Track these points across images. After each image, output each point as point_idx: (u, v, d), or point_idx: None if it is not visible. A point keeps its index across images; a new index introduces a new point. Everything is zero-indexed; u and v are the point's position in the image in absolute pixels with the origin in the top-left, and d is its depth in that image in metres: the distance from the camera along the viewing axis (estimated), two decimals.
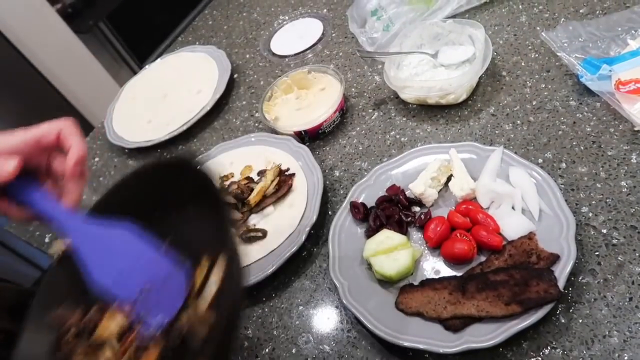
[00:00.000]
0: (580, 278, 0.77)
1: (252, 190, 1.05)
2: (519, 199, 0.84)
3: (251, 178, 1.10)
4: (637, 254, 0.77)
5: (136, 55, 1.99)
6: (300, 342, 0.86)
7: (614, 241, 0.79)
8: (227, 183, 1.10)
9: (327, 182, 1.07)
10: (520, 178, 0.86)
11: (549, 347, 0.73)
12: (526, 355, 0.73)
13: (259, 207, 1.04)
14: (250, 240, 1.00)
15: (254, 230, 1.01)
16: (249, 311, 0.94)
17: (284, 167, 1.08)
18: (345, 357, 0.82)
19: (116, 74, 2.73)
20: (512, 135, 0.99)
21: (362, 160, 1.09)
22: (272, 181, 1.05)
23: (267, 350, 0.88)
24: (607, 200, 0.84)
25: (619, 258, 0.77)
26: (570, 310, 0.75)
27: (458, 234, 0.84)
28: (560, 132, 0.96)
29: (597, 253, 0.79)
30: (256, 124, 1.28)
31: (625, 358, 0.68)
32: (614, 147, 0.90)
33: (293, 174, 1.07)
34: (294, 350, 0.86)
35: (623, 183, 0.85)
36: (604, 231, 0.81)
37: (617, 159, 0.88)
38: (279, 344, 0.88)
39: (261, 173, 1.10)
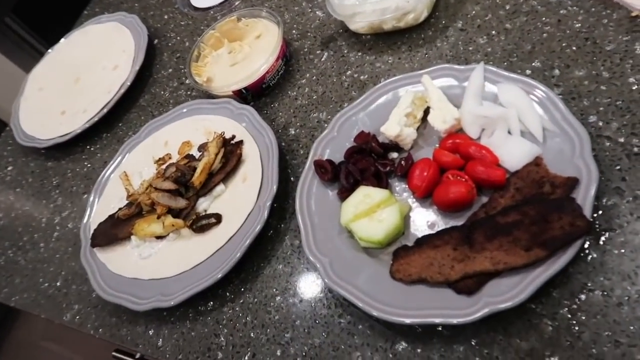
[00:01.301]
0: (605, 201, 0.64)
1: (194, 169, 0.86)
2: (514, 119, 0.69)
3: (192, 156, 0.92)
4: None
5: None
6: (285, 341, 0.71)
7: (635, 149, 0.66)
8: (164, 167, 0.91)
9: (283, 144, 0.90)
10: (512, 95, 0.71)
11: (585, 291, 0.59)
12: (559, 306, 0.60)
13: (207, 188, 0.86)
14: (203, 229, 0.83)
15: (206, 217, 0.83)
16: (217, 315, 0.77)
17: (228, 136, 0.89)
18: (342, 349, 0.67)
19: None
20: (489, 49, 0.83)
21: (319, 111, 0.91)
22: (217, 154, 0.86)
23: (246, 357, 0.71)
24: (617, 103, 0.70)
25: None
26: (601, 242, 0.61)
27: (450, 176, 0.69)
28: (545, 35, 0.80)
29: (618, 167, 0.65)
30: (189, 92, 1.08)
31: None
32: (612, 40, 0.75)
33: (240, 142, 0.88)
34: (278, 352, 0.70)
35: (631, 79, 0.71)
36: (621, 140, 0.67)
37: (618, 54, 0.74)
38: (259, 348, 0.72)
39: (202, 147, 0.91)
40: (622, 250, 0.60)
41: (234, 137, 0.90)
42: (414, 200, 0.73)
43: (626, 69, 0.72)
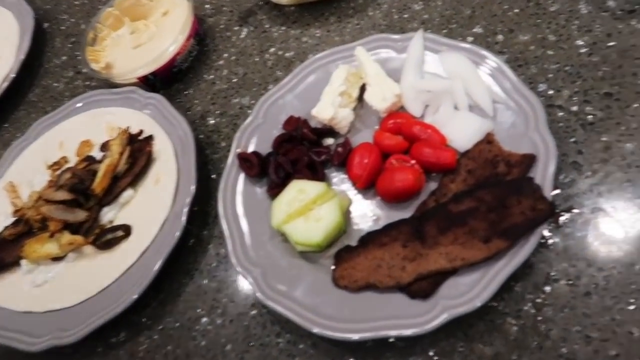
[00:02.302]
0: (562, 178, 0.57)
1: (95, 174, 0.72)
2: (461, 92, 0.61)
3: (92, 158, 0.77)
4: (622, 127, 0.58)
5: None
6: None
7: (590, 118, 0.59)
8: (58, 173, 0.76)
9: (201, 136, 0.78)
10: (456, 65, 0.63)
11: (549, 282, 0.53)
12: (523, 301, 0.52)
13: (112, 194, 0.72)
14: (110, 244, 0.69)
15: (112, 230, 0.70)
16: (132, 346, 0.64)
17: (134, 131, 0.76)
18: None
19: None
20: (426, 16, 0.75)
21: (240, 96, 0.79)
22: (122, 154, 0.73)
23: None
24: (566, 68, 0.64)
25: (603, 138, 0.58)
26: (564, 224, 0.55)
27: (394, 161, 0.60)
28: None
29: (573, 139, 0.59)
30: (88, 83, 0.93)
31: None
32: (556, 1, 0.69)
33: (149, 137, 0.75)
34: None
35: (579, 42, 0.65)
36: (574, 109, 0.61)
37: (563, 14, 0.67)
38: None
39: (105, 147, 0.77)
40: (585, 233, 0.54)
41: (141, 132, 0.76)
42: (356, 191, 0.63)
43: (572, 30, 0.66)
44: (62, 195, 0.70)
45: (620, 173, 0.55)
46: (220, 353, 0.60)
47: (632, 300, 0.49)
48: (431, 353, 0.53)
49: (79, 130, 0.82)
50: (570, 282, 0.52)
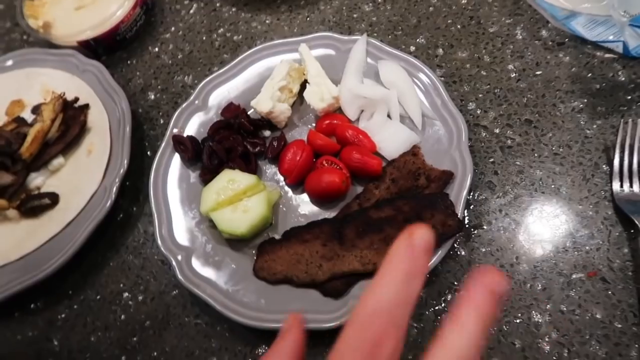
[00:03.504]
0: (477, 195, 0.62)
1: (25, 137, 0.70)
2: (395, 103, 0.64)
3: (23, 120, 0.75)
4: (536, 154, 0.62)
5: None
6: (131, 345, 0.61)
7: (509, 142, 0.64)
8: None
9: (140, 110, 0.77)
10: (394, 74, 0.65)
11: (452, 291, 0.58)
12: (426, 306, 0.57)
13: (41, 160, 0.71)
14: (35, 211, 0.68)
15: (38, 197, 0.69)
16: (50, 314, 0.65)
17: (70, 97, 0.74)
18: (197, 354, 0.60)
19: None
20: (374, 19, 0.76)
21: (184, 73, 0.79)
22: (54, 120, 0.71)
23: None
24: (496, 90, 0.67)
25: (518, 162, 0.63)
26: (471, 239, 0.59)
27: (325, 162, 0.63)
28: (431, 8, 0.75)
29: (491, 160, 0.63)
30: (25, 37, 0.88)
31: (539, 287, 0.55)
32: (495, 22, 0.72)
33: (85, 106, 0.74)
34: (123, 358, 0.61)
35: (510, 66, 0.69)
36: (497, 131, 0.65)
37: (500, 37, 0.71)
38: (100, 354, 0.62)
39: (37, 110, 0.75)
40: (490, 249, 0.59)
41: (77, 99, 0.74)
42: (285, 186, 0.65)
43: (507, 54, 0.69)
44: None
45: (528, 197, 0.60)
46: (140, 329, 0.62)
47: (519, 315, 0.55)
48: None
49: (10, 88, 0.78)
50: None
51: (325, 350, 0.56)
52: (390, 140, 0.62)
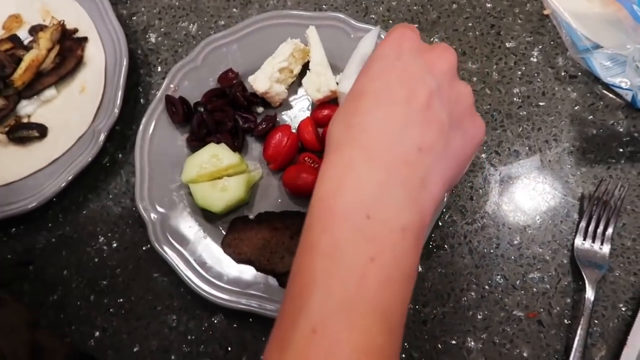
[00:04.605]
0: (447, 216, 0.64)
1: (19, 62, 0.69)
2: None
3: (18, 39, 0.73)
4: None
5: None
6: (100, 288, 0.66)
7: (492, 170, 0.65)
8: None
9: (139, 51, 0.75)
10: None
11: None
12: None
13: (33, 89, 0.71)
14: (23, 140, 0.70)
15: (27, 127, 0.70)
16: (29, 242, 0.68)
17: (70, 26, 0.72)
18: (159, 309, 0.64)
19: None
20: (394, 3, 0.73)
21: (189, 21, 0.76)
22: (50, 51, 0.70)
23: (55, 297, 0.66)
24: (494, 113, 0.67)
25: (493, 192, 0.64)
26: (431, 258, 0.62)
27: (307, 158, 0.63)
28: (454, 5, 0.71)
29: (470, 184, 0.65)
30: None
31: (480, 316, 0.60)
32: (515, 37, 0.69)
33: (84, 39, 0.72)
34: (92, 298, 0.66)
35: (516, 90, 0.67)
36: (484, 156, 0.65)
37: (515, 55, 0.69)
38: (71, 289, 0.66)
39: (34, 32, 0.73)
40: (444, 270, 0.62)
41: (76, 30, 0.72)
42: (269, 169, 0.66)
43: (516, 75, 0.68)
44: None
45: (494, 230, 0.62)
46: (110, 274, 0.66)
47: (455, 337, 0.59)
48: None
49: (9, 1, 0.76)
50: (417, 308, 0.61)
51: None
52: None
